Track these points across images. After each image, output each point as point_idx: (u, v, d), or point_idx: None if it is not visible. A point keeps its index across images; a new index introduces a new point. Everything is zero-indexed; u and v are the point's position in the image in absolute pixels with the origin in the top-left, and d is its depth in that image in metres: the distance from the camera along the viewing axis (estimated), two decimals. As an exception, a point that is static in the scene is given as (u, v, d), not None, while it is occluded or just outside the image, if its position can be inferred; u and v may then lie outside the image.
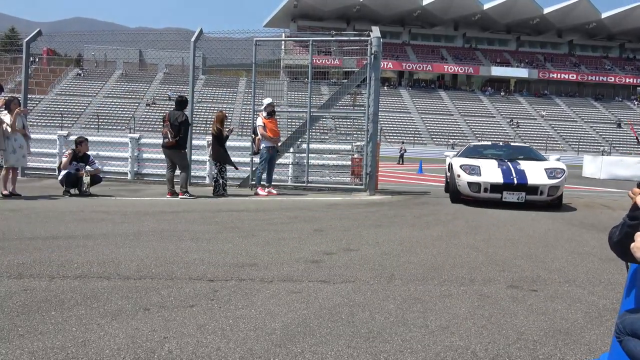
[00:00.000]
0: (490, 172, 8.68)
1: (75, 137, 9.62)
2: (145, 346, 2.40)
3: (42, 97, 46.12)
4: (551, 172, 8.59)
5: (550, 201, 8.69)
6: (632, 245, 0.99)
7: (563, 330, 2.83)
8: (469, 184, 8.62)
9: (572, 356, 2.49)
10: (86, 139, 9.24)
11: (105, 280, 3.46)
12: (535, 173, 8.60)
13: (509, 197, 8.38)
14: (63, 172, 8.72)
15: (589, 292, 3.62)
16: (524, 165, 8.95)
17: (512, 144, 12.00)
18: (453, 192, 9.14)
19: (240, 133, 24.58)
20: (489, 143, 12.33)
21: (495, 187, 8.46)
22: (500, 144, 11.83)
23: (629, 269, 2.11)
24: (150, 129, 37.51)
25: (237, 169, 9.99)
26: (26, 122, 8.67)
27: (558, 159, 9.99)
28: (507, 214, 7.77)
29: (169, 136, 8.75)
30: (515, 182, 8.38)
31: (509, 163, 9.04)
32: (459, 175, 8.84)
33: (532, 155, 10.07)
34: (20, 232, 5.07)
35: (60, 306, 2.91)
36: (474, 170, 8.77)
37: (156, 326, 2.65)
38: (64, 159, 8.81)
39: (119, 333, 2.53)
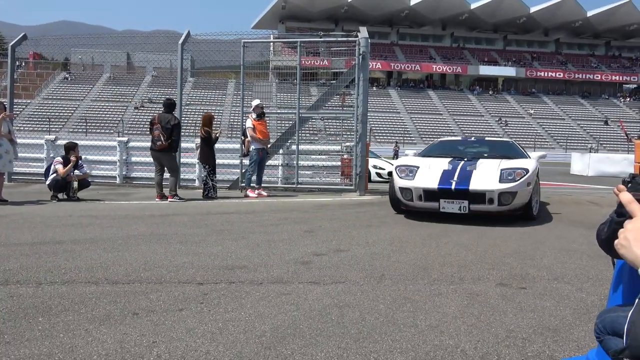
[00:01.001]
0: (428, 174, 6.84)
1: (65, 142, 9.51)
2: (133, 351, 2.38)
3: (28, 101, 45.67)
4: (508, 174, 6.59)
5: (507, 212, 6.63)
6: (615, 242, 1.00)
7: (552, 328, 2.84)
8: (401, 189, 6.92)
9: (560, 353, 2.51)
10: (76, 144, 9.14)
11: (94, 285, 3.43)
12: (484, 175, 6.65)
13: (447, 206, 6.50)
14: (51, 177, 8.63)
15: (577, 289, 3.65)
16: (481, 165, 7.00)
17: (487, 138, 10.07)
18: (392, 199, 7.33)
19: (229, 135, 24.52)
20: (459, 138, 10.39)
21: (430, 194, 6.63)
22: (473, 138, 9.89)
23: (615, 265, 2.13)
24: (138, 132, 37.27)
25: (214, 174, 9.61)
26: (12, 127, 8.58)
27: (543, 156, 8.78)
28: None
29: (162, 139, 8.71)
30: (453, 187, 6.46)
31: (462, 163, 7.16)
32: (394, 179, 7.21)
33: (508, 151, 8.09)
34: (7, 238, 5.02)
35: (47, 312, 2.88)
36: (411, 172, 6.98)
37: (145, 331, 2.63)
38: (59, 166, 8.61)
39: (107, 338, 2.51)
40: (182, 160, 10.44)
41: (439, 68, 61.94)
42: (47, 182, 8.73)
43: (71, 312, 2.89)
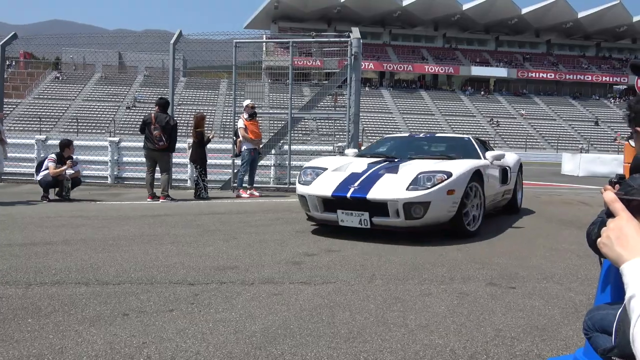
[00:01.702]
0: (329, 179, 5.63)
1: (58, 140, 9.45)
2: (123, 352, 2.37)
3: (19, 101, 45.30)
4: (427, 179, 5.25)
5: (421, 227, 5.29)
6: (598, 240, 1.02)
7: (540, 327, 2.87)
8: (299, 197, 5.92)
9: (548, 352, 2.53)
10: (71, 142, 9.11)
11: (84, 286, 3.42)
12: (393, 180, 5.35)
13: (346, 219, 5.29)
14: (43, 173, 8.54)
15: (566, 289, 3.68)
16: (404, 167, 5.71)
17: (439, 135, 8.77)
18: (304, 205, 5.92)
19: (222, 135, 24.48)
20: (406, 135, 8.74)
21: (327, 204, 5.44)
22: (422, 135, 8.45)
23: (602, 265, 2.15)
24: (130, 132, 37.09)
25: (205, 174, 9.58)
26: (2, 127, 8.53)
27: (500, 156, 6.88)
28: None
29: (164, 139, 8.73)
30: (349, 194, 5.21)
31: (382, 164, 5.97)
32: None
33: (456, 151, 6.84)
34: (-3, 239, 4.98)
35: (37, 313, 2.87)
36: (317, 175, 5.86)
37: (135, 331, 2.63)
38: (51, 164, 8.56)
39: (97, 339, 2.51)
40: (174, 160, 10.42)
41: (431, 69, 62.10)
42: (38, 179, 8.66)
43: (61, 313, 2.88)
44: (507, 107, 57.87)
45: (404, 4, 58.97)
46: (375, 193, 5.18)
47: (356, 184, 5.38)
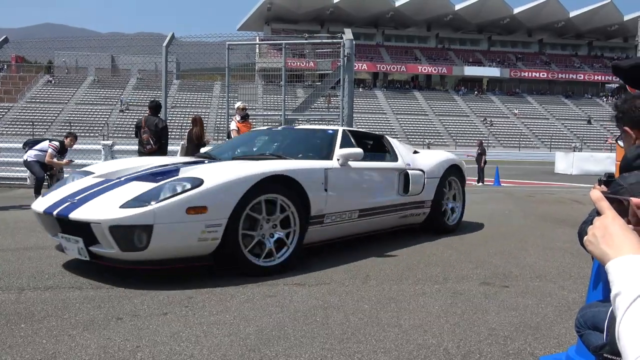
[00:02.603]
0: (65, 189, 4.12)
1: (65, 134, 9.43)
2: (117, 356, 2.37)
3: (11, 105, 45.13)
4: (171, 188, 3.55)
5: (148, 262, 3.61)
6: (585, 238, 1.03)
7: (533, 325, 2.89)
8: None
9: (541, 350, 2.55)
10: (76, 136, 9.12)
11: (77, 291, 3.41)
12: (121, 193, 3.71)
13: (67, 246, 3.80)
14: (38, 154, 8.41)
15: (559, 287, 3.70)
16: (165, 173, 4.06)
17: (298, 127, 6.66)
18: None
19: (215, 137, 24.46)
20: (263, 129, 6.69)
21: (50, 223, 3.95)
22: (279, 128, 6.57)
23: (594, 262, 2.17)
24: (124, 135, 37.01)
25: None
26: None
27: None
28: (479, 207, 7.87)
29: (152, 142, 8.70)
30: (56, 212, 3.72)
31: (155, 169, 4.38)
32: None
33: (312, 149, 5.11)
34: (-11, 244, 4.96)
35: (30, 318, 2.86)
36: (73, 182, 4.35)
37: (129, 335, 2.62)
38: (51, 151, 8.46)
39: (91, 344, 2.50)
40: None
41: (425, 69, 62.27)
42: (31, 158, 8.52)
43: (54, 318, 2.87)
44: (501, 106, 58.11)
45: (397, 4, 59.16)
46: (83, 211, 3.58)
47: (79, 197, 3.81)
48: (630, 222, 1.10)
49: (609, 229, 0.96)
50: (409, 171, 5.39)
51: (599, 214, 1.06)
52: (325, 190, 4.33)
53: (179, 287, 3.53)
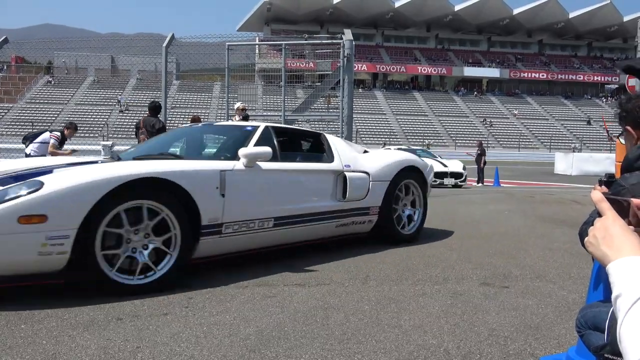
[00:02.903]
0: None
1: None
2: (117, 357, 2.37)
3: (11, 105, 45.13)
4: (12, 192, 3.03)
5: None
6: (585, 239, 1.03)
7: (533, 326, 2.89)
8: None
9: (541, 350, 2.55)
10: (76, 126, 9.12)
11: (77, 291, 3.41)
12: None
13: None
14: (36, 146, 8.30)
15: (559, 287, 3.70)
16: (47, 175, 3.32)
17: (217, 124, 5.88)
18: None
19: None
20: (186, 126, 6.21)
21: None
22: (199, 125, 5.88)
23: (594, 262, 2.17)
24: (124, 136, 37.02)
25: None
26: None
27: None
28: (479, 208, 7.88)
29: None
30: None
31: (52, 169, 3.67)
32: None
33: (224, 148, 4.74)
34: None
35: (30, 319, 2.85)
36: None
37: (129, 336, 2.62)
38: (53, 141, 8.41)
39: (91, 344, 2.50)
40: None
41: (424, 69, 62.31)
42: (34, 152, 8.39)
43: (54, 318, 2.87)
44: (500, 107, 58.14)
45: (396, 5, 59.19)
46: None
47: None
48: (631, 223, 1.10)
49: (609, 230, 0.97)
50: (348, 173, 4.76)
51: (599, 214, 1.06)
52: (222, 195, 3.74)
53: (179, 287, 3.53)
